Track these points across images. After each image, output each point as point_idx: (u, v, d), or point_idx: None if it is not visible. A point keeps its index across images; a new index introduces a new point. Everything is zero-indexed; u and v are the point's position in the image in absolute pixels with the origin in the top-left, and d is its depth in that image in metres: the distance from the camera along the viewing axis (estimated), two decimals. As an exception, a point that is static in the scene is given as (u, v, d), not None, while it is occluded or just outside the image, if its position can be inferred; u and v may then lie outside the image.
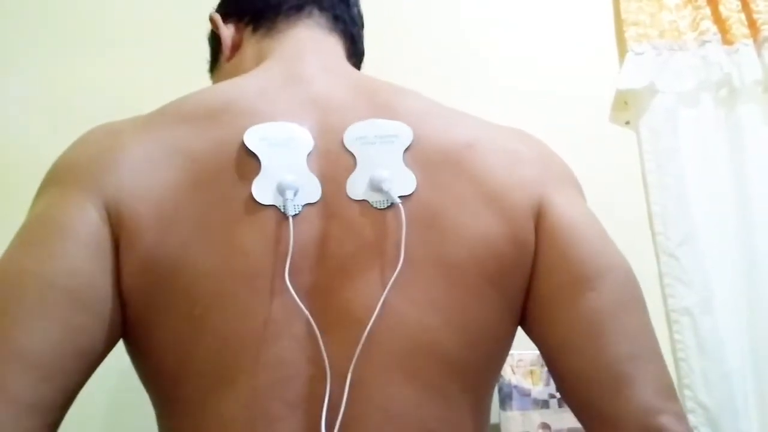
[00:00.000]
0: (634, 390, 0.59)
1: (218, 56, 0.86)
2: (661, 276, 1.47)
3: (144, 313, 0.59)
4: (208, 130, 0.62)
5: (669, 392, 0.61)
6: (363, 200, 0.61)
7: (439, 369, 0.60)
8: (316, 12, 0.78)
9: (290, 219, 0.58)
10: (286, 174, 0.60)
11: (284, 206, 0.59)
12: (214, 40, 0.87)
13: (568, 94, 1.55)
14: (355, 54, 0.84)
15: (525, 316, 0.65)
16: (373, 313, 0.57)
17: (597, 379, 0.60)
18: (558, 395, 1.42)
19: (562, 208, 0.65)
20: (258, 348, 0.57)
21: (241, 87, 0.69)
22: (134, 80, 1.41)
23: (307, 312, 0.57)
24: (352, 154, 0.63)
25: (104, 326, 0.57)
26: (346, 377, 0.56)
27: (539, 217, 0.64)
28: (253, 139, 0.61)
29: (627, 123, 1.58)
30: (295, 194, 0.60)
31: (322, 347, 0.57)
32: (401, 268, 0.58)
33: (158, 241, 0.58)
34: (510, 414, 1.26)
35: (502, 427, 1.26)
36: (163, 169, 0.60)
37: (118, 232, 0.58)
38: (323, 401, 0.55)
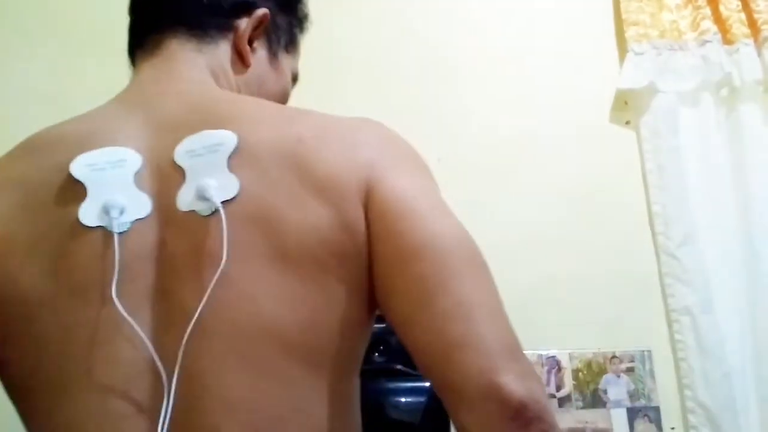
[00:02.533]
0: (468, 353, 0.58)
1: None
2: (661, 276, 1.47)
3: None
4: (45, 160, 0.68)
5: (508, 351, 0.59)
6: (191, 210, 0.65)
7: (279, 354, 0.62)
8: (149, 31, 0.79)
9: (115, 236, 0.63)
10: (112, 195, 0.65)
11: (110, 225, 0.64)
12: None
13: (569, 93, 1.55)
14: (213, 19, 0.79)
15: (373, 296, 0.67)
16: (202, 310, 0.61)
17: (433, 348, 0.60)
18: (558, 395, 1.43)
19: (390, 184, 0.66)
20: (93, 353, 0.62)
21: (84, 118, 0.75)
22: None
23: (126, 316, 0.61)
24: (182, 168, 0.67)
25: None
26: (180, 375, 0.60)
27: (368, 198, 0.66)
28: (80, 166, 0.66)
29: (627, 123, 1.58)
30: (121, 213, 0.65)
31: (150, 346, 0.61)
32: (228, 264, 0.62)
33: None
34: (510, 414, 1.26)
35: (502, 427, 1.26)
36: (5, 200, 0.66)
37: None
38: (156, 402, 0.59)
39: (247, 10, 0.79)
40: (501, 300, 0.63)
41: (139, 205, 0.66)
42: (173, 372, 0.60)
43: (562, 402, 1.38)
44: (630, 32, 1.58)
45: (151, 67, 0.78)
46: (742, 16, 1.57)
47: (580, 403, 1.39)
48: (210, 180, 0.65)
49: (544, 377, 1.31)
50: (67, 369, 0.62)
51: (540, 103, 1.52)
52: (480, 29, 1.60)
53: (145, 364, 0.61)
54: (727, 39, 1.57)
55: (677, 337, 1.43)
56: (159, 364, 0.60)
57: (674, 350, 1.42)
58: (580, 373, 1.42)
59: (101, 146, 0.68)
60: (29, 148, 0.71)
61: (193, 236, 0.64)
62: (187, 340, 0.60)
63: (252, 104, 0.74)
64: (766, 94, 1.56)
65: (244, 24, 0.79)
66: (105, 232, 0.64)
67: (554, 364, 1.37)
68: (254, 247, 0.64)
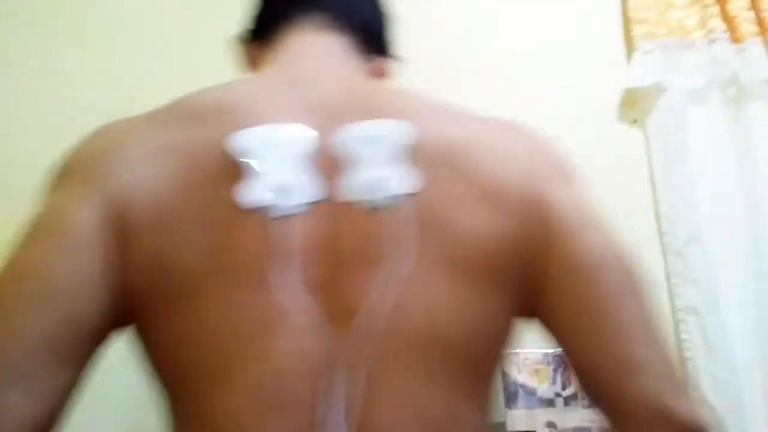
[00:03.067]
0: (641, 374, 0.59)
1: None
2: (668, 275, 1.47)
3: (145, 309, 0.61)
4: (206, 130, 0.63)
5: (678, 375, 0.61)
6: (362, 199, 0.62)
7: (449, 363, 0.61)
8: (315, 14, 0.79)
9: (287, 218, 0.60)
10: (282, 174, 0.61)
11: (280, 206, 0.60)
12: None
13: (576, 92, 1.55)
14: (372, 42, 0.83)
15: (536, 308, 0.66)
16: (376, 308, 0.58)
17: (605, 366, 0.61)
18: (564, 394, 1.42)
19: (560, 199, 0.66)
20: (257, 341, 0.58)
21: (240, 89, 0.70)
22: (136, 80, 1.42)
23: (309, 306, 0.58)
24: (349, 155, 0.63)
25: (104, 317, 0.59)
26: (350, 371, 0.57)
27: (537, 210, 0.65)
28: (247, 141, 0.62)
29: (635, 121, 1.58)
30: (291, 194, 0.61)
31: (326, 341, 0.58)
32: (403, 264, 0.59)
33: (157, 241, 0.60)
34: (516, 412, 1.26)
35: (508, 426, 1.26)
36: (161, 167, 0.62)
37: (120, 229, 0.60)
38: (325, 394, 0.57)
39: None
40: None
41: (308, 189, 0.62)
42: (340, 370, 0.57)
43: (569, 400, 1.38)
44: (637, 31, 1.57)
45: (306, 43, 0.76)
46: (750, 14, 1.56)
47: (587, 402, 1.39)
48: (388, 171, 0.62)
49: (550, 376, 1.31)
50: (230, 351, 0.59)
51: (547, 102, 1.51)
52: (486, 29, 1.60)
53: (310, 358, 0.58)
54: (734, 37, 1.56)
55: (683, 336, 1.43)
56: (337, 362, 0.57)
57: (680, 350, 1.42)
58: (586, 372, 1.41)
59: (265, 122, 0.64)
60: (180, 114, 0.66)
61: (364, 228, 0.61)
62: (358, 339, 0.58)
63: (416, 99, 0.71)
64: (774, 93, 1.55)
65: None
66: (272, 213, 0.60)
67: (560, 363, 1.37)
68: (428, 248, 0.61)
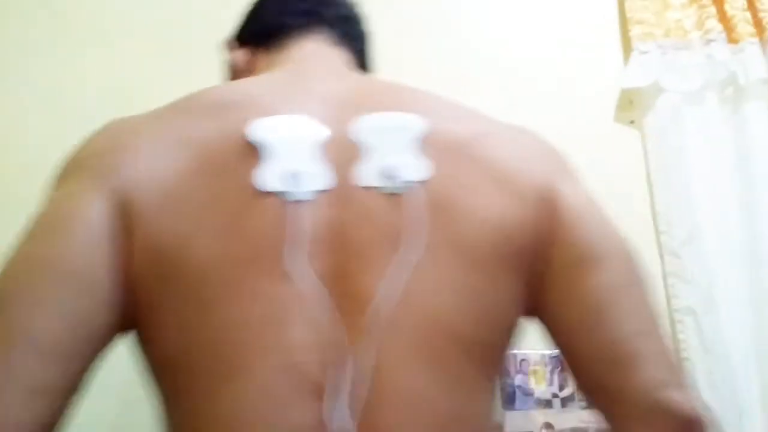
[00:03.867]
0: (639, 365, 0.60)
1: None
2: (664, 275, 1.47)
3: (152, 300, 0.60)
4: (218, 123, 0.64)
5: (675, 368, 0.62)
6: (375, 187, 0.62)
7: (457, 352, 0.60)
8: (323, 29, 0.81)
9: (298, 204, 0.59)
10: (293, 162, 0.61)
11: (293, 193, 0.60)
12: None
13: (573, 92, 1.55)
14: (362, 68, 0.86)
15: (536, 299, 0.66)
16: (390, 297, 0.57)
17: (604, 358, 0.61)
18: (561, 395, 1.42)
19: (568, 194, 0.67)
20: (268, 333, 0.57)
21: (249, 84, 0.72)
22: (135, 80, 1.41)
23: (323, 296, 0.57)
24: (364, 144, 0.63)
25: (112, 313, 0.59)
26: (361, 362, 0.56)
27: (547, 202, 0.66)
28: (259, 130, 0.62)
29: (632, 122, 1.58)
30: (302, 181, 0.60)
31: (339, 332, 0.57)
32: (416, 253, 0.59)
33: (165, 230, 0.60)
34: (513, 413, 1.26)
35: (506, 427, 1.26)
36: (172, 158, 0.62)
37: (128, 221, 0.60)
38: (336, 387, 0.56)
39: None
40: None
41: (320, 177, 0.62)
42: (352, 361, 0.56)
43: (566, 401, 1.38)
44: (634, 31, 1.57)
45: (312, 51, 0.79)
46: (748, 15, 1.56)
47: (584, 403, 1.38)
48: (400, 158, 0.62)
49: (547, 377, 1.31)
50: (239, 346, 0.57)
51: (544, 103, 1.51)
52: (483, 30, 1.60)
53: (322, 350, 0.57)
54: (732, 38, 1.56)
55: (680, 336, 1.43)
56: (348, 354, 0.56)
57: (677, 350, 1.42)
58: (584, 373, 1.41)
59: (278, 113, 0.64)
60: (192, 108, 0.67)
61: (376, 215, 0.61)
62: (369, 329, 0.57)
63: (428, 95, 0.73)
64: (771, 93, 1.55)
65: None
66: (285, 200, 0.60)
67: (558, 364, 1.37)
68: (439, 236, 0.61)
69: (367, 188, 0.61)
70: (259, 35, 0.84)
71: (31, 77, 1.42)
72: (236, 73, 0.85)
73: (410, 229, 0.59)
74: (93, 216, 0.60)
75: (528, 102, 1.50)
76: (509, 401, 1.27)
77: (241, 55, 0.85)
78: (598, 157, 1.52)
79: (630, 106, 1.58)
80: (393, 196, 0.61)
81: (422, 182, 0.62)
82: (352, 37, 0.84)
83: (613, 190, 1.53)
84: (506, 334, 0.66)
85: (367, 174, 0.62)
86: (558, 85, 1.55)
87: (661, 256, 1.47)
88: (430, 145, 0.64)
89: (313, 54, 0.79)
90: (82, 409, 0.59)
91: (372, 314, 0.57)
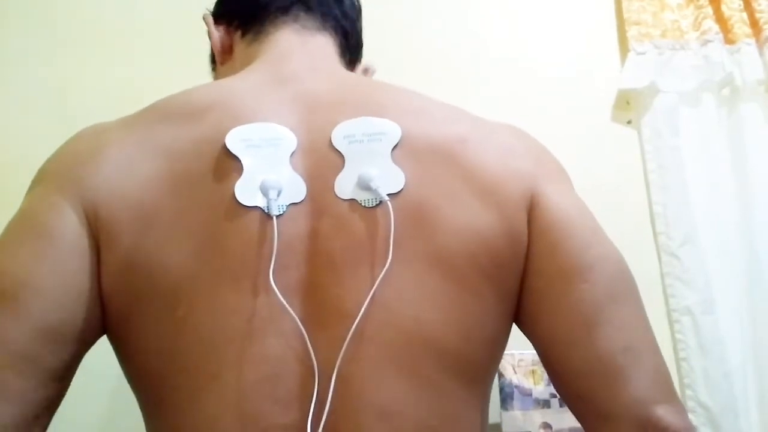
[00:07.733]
0: (628, 382, 0.58)
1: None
2: (662, 276, 1.47)
3: (125, 314, 0.60)
4: (191, 130, 0.62)
5: (665, 384, 0.60)
6: (351, 199, 0.61)
7: (434, 364, 0.59)
8: (302, 14, 0.78)
9: (274, 219, 0.58)
10: (269, 174, 0.60)
11: (268, 206, 0.59)
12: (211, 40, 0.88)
13: (570, 93, 1.55)
14: (350, 48, 0.83)
15: (519, 311, 0.65)
16: (364, 308, 0.56)
17: (591, 373, 0.60)
18: (558, 395, 1.42)
19: (554, 200, 0.65)
20: (242, 346, 0.57)
21: (226, 87, 0.69)
22: (134, 80, 1.41)
23: (291, 310, 0.57)
24: (340, 153, 0.62)
25: (81, 324, 0.58)
26: (335, 374, 0.56)
27: (531, 209, 0.64)
28: (234, 140, 0.61)
29: (629, 122, 1.58)
30: (278, 194, 0.59)
31: (309, 344, 0.56)
32: (391, 264, 0.58)
33: (137, 243, 0.58)
34: (511, 414, 1.26)
35: (503, 427, 1.26)
36: (144, 169, 0.60)
37: (97, 233, 0.59)
38: (309, 398, 0.55)
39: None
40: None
41: (294, 189, 0.61)
42: (324, 373, 0.55)
43: (563, 402, 1.38)
44: (631, 32, 1.57)
45: (296, 41, 0.75)
46: (744, 15, 1.57)
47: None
48: (376, 168, 0.61)
49: (545, 377, 1.30)
50: (213, 359, 0.57)
51: (541, 103, 1.51)
52: (480, 29, 1.60)
53: (295, 363, 0.57)
54: (728, 39, 1.56)
55: (678, 337, 1.42)
56: (316, 366, 0.55)
57: (675, 350, 1.42)
58: (581, 373, 1.41)
59: (253, 120, 0.62)
60: (167, 113, 0.65)
61: (351, 228, 0.60)
62: (342, 343, 0.56)
63: (409, 95, 0.71)
64: (767, 94, 1.55)
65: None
66: (261, 214, 0.58)
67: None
68: (416, 247, 0.60)
69: (343, 200, 0.61)
70: (238, 14, 0.80)
71: (31, 77, 1.42)
72: (217, 53, 0.83)
73: (385, 241, 0.58)
74: (61, 229, 0.59)
75: (525, 102, 1.50)
76: (507, 401, 1.27)
77: (221, 33, 0.82)
78: (595, 157, 1.52)
79: (627, 106, 1.58)
80: (369, 207, 0.60)
81: (399, 192, 0.61)
82: (337, 16, 0.81)
83: (610, 191, 1.54)
84: (489, 347, 0.64)
85: (343, 185, 0.61)
86: (555, 85, 1.55)
87: (659, 257, 1.47)
88: (408, 151, 0.63)
89: (293, 47, 0.75)
90: (72, 413, 0.59)
91: (345, 326, 0.56)
